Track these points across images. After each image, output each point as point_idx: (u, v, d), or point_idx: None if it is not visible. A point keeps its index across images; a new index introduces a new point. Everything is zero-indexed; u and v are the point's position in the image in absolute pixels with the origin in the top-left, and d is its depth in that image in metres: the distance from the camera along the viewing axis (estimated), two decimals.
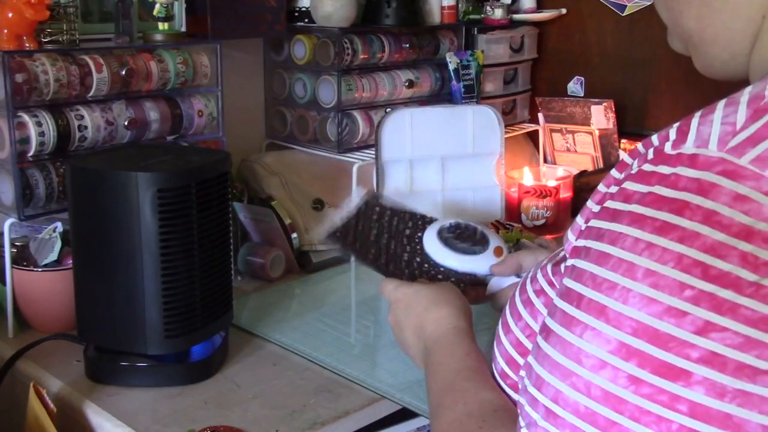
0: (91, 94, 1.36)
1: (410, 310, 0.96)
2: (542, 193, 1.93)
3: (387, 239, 1.19)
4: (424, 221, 1.22)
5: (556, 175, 2.07)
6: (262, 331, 1.35)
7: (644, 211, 0.49)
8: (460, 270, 1.13)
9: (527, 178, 2.00)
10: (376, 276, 1.16)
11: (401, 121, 1.65)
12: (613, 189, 0.54)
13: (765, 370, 0.46)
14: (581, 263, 0.52)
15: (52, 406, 1.08)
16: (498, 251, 1.13)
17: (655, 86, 2.05)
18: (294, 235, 1.62)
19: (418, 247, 1.17)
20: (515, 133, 2.10)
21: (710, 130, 0.49)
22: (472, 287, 1.13)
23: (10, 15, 1.26)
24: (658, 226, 0.48)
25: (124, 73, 1.38)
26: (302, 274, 1.63)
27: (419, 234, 1.18)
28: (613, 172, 0.58)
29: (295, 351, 1.29)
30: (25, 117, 1.28)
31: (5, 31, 1.27)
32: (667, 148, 0.50)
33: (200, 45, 1.54)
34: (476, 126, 1.70)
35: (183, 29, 1.54)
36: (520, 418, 0.57)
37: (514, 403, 0.68)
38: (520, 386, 0.59)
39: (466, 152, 1.70)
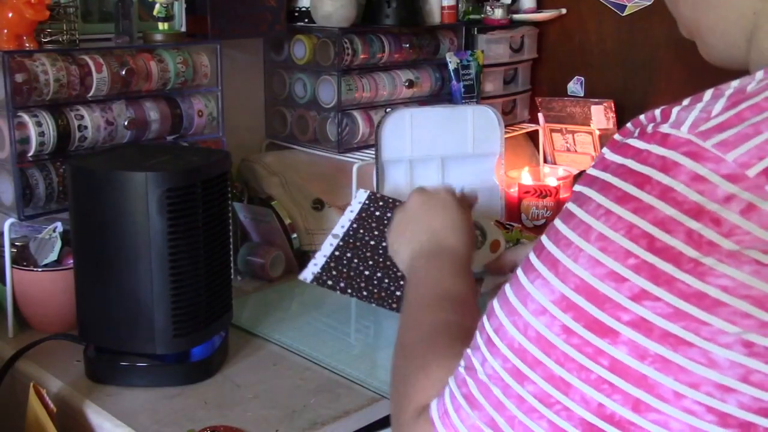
0: (91, 94, 1.36)
1: (433, 208, 1.02)
2: (542, 193, 1.93)
3: (385, 246, 1.18)
4: None
5: (556, 175, 2.07)
6: (262, 331, 1.35)
7: (612, 180, 0.53)
8: None
9: (527, 178, 2.00)
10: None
11: (401, 121, 1.65)
12: (598, 157, 0.58)
13: (688, 341, 0.49)
14: (556, 221, 0.57)
15: (52, 406, 1.08)
16: (495, 245, 1.13)
17: (655, 86, 2.05)
18: (294, 235, 1.62)
19: None
20: (515, 133, 2.10)
21: (688, 115, 0.52)
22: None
23: (10, 15, 1.26)
24: (619, 196, 0.52)
25: (124, 73, 1.38)
26: None
27: None
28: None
29: (295, 351, 1.29)
30: (25, 117, 1.28)
31: (5, 31, 1.27)
32: (649, 128, 0.54)
33: (200, 45, 1.54)
34: (476, 126, 1.70)
35: (183, 29, 1.54)
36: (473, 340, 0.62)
37: None
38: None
39: (466, 152, 1.70)
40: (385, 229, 1.21)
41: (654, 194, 0.50)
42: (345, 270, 1.18)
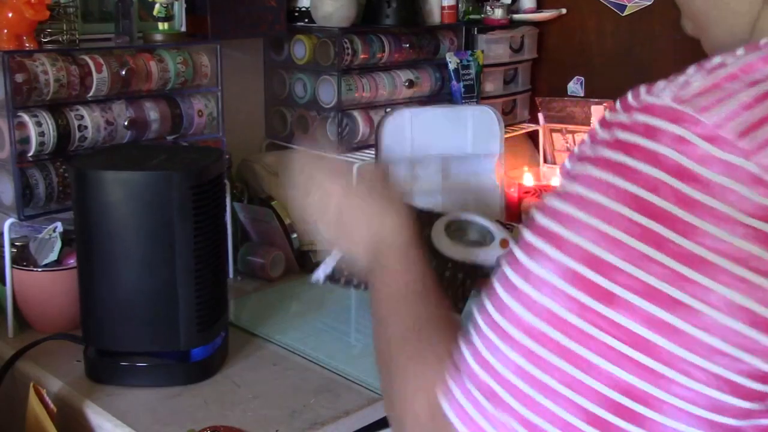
0: (91, 94, 1.36)
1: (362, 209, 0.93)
2: (542, 193, 1.93)
3: None
4: (430, 217, 1.22)
5: (556, 175, 2.07)
6: (262, 331, 1.35)
7: (603, 152, 0.54)
8: (468, 262, 1.13)
9: (527, 178, 2.00)
10: None
11: (401, 121, 1.64)
12: (587, 136, 0.60)
13: (685, 304, 0.49)
14: (550, 201, 0.57)
15: (52, 406, 1.08)
16: (504, 243, 1.14)
17: None
18: (294, 235, 1.62)
19: (425, 245, 1.17)
20: (515, 133, 2.10)
21: (669, 86, 0.54)
22: (482, 280, 1.13)
23: (10, 15, 1.26)
24: (610, 164, 0.53)
25: (124, 73, 1.38)
26: (302, 274, 1.63)
27: (427, 232, 1.19)
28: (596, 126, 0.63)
29: (295, 351, 1.29)
30: (25, 117, 1.28)
31: (5, 31, 1.27)
32: (633, 102, 0.55)
33: (200, 45, 1.54)
34: (476, 126, 1.70)
35: (183, 29, 1.54)
36: (469, 327, 0.60)
37: None
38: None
39: (466, 152, 1.70)
40: None
41: (640, 158, 0.51)
42: (357, 269, 1.18)
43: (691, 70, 0.56)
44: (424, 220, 1.21)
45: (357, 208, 0.93)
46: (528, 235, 0.57)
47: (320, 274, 1.20)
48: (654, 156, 0.51)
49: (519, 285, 0.56)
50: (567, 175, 0.57)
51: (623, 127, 0.54)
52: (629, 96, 0.57)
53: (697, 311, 0.49)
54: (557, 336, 0.52)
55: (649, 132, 0.52)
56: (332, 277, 1.19)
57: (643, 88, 0.56)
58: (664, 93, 0.53)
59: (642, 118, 0.53)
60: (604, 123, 0.57)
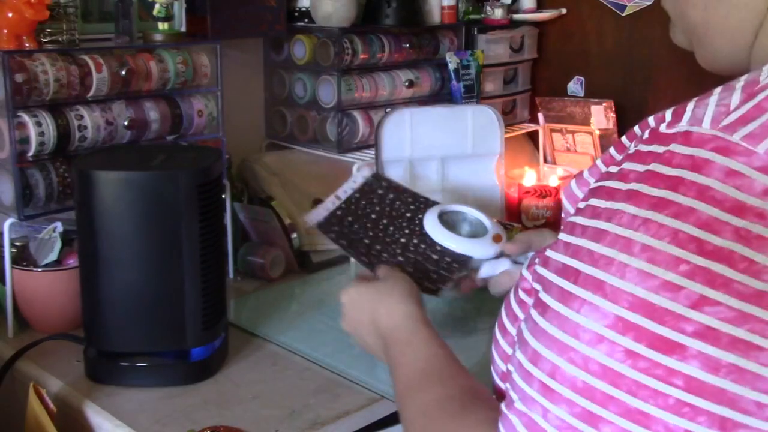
0: (91, 94, 1.36)
1: (361, 308, 0.94)
2: (542, 193, 1.93)
3: (385, 223, 1.18)
4: (427, 204, 1.22)
5: (556, 175, 2.07)
6: (262, 331, 1.35)
7: (640, 188, 0.50)
8: (457, 251, 1.13)
9: (527, 178, 2.00)
10: None
11: (401, 121, 1.65)
12: (613, 169, 0.55)
13: (757, 345, 0.47)
14: (579, 240, 0.53)
15: (52, 406, 1.08)
16: (497, 238, 1.14)
17: (655, 86, 2.05)
18: (294, 235, 1.62)
19: (417, 229, 1.17)
20: (515, 133, 2.10)
21: (705, 111, 0.50)
22: (466, 278, 1.13)
23: (10, 15, 1.26)
24: (653, 203, 0.49)
25: (123, 73, 1.38)
26: (302, 274, 1.63)
27: (420, 216, 1.19)
28: (612, 151, 0.59)
29: (295, 351, 1.29)
30: (25, 117, 1.28)
31: (5, 31, 1.27)
32: (662, 128, 0.52)
33: (200, 45, 1.54)
34: (476, 126, 1.70)
35: (183, 29, 1.54)
36: (510, 393, 0.56)
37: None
38: (508, 365, 0.59)
39: (466, 152, 1.70)
40: (386, 208, 1.20)
41: (691, 195, 0.48)
42: (346, 232, 1.18)
43: (718, 90, 0.53)
44: (419, 206, 1.21)
45: (368, 291, 0.94)
46: (555, 279, 0.54)
47: (314, 217, 1.20)
48: (707, 192, 0.48)
49: (554, 333, 0.52)
50: (588, 212, 0.53)
51: (659, 158, 0.50)
52: (651, 121, 0.54)
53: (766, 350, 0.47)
54: (606, 388, 0.49)
55: (696, 165, 0.48)
56: (324, 227, 1.18)
57: (668, 113, 0.53)
58: (702, 119, 0.50)
59: (682, 148, 0.49)
60: (629, 154, 0.53)
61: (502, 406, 0.57)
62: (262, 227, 1.65)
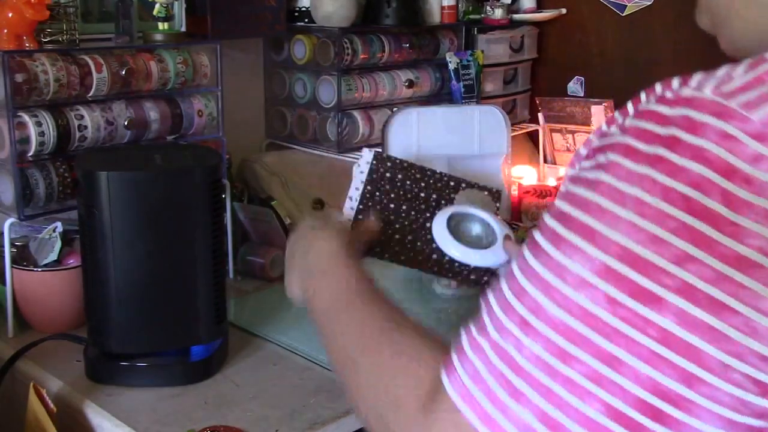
0: (91, 94, 1.36)
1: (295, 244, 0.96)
2: (542, 193, 1.93)
3: (405, 209, 1.14)
4: (434, 176, 1.18)
5: (556, 175, 2.07)
6: (262, 331, 1.35)
7: (638, 144, 0.52)
8: (472, 264, 1.11)
9: (527, 178, 2.00)
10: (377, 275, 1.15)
11: (407, 121, 1.64)
12: (614, 129, 0.56)
13: (731, 308, 0.48)
14: (574, 188, 0.55)
15: (52, 406, 1.08)
16: (507, 239, 1.11)
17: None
18: None
19: (434, 211, 1.15)
20: (515, 133, 2.10)
21: (709, 78, 0.52)
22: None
23: (10, 15, 1.26)
24: (650, 159, 0.51)
25: (123, 73, 1.38)
26: None
27: (433, 195, 1.16)
28: (591, 137, 0.60)
29: (295, 351, 1.29)
30: (25, 117, 1.28)
31: (5, 31, 1.27)
32: (668, 94, 0.53)
33: (200, 45, 1.54)
34: (482, 126, 1.70)
35: (183, 29, 1.54)
36: (484, 319, 0.57)
37: None
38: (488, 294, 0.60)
39: (472, 152, 1.69)
40: (400, 191, 1.17)
41: (685, 154, 0.49)
42: (381, 240, 1.14)
43: (727, 65, 0.54)
44: (430, 180, 1.19)
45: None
46: (551, 222, 0.55)
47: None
48: (700, 153, 0.49)
49: (542, 273, 0.53)
50: (593, 163, 0.55)
51: (660, 119, 0.52)
52: (658, 87, 0.55)
53: (743, 315, 0.48)
54: (584, 330, 0.51)
55: (692, 126, 0.50)
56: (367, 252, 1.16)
57: (676, 80, 0.54)
58: (704, 86, 0.51)
59: (682, 110, 0.51)
60: (631, 114, 0.54)
61: (472, 328, 0.58)
62: (262, 227, 1.65)
